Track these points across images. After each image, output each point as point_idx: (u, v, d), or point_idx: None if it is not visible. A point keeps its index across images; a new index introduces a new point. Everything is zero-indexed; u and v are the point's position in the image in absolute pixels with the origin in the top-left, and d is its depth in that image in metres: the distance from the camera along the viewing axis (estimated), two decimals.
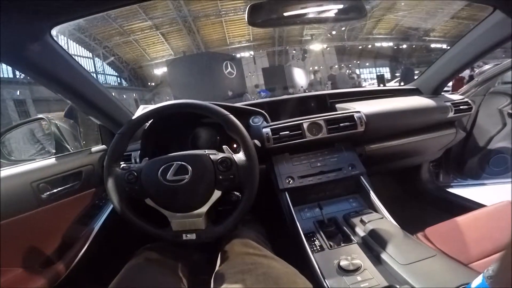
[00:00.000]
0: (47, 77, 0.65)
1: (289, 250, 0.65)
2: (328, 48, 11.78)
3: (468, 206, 1.09)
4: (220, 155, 0.63)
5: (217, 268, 0.59)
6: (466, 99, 1.10)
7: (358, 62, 12.60)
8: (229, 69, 9.90)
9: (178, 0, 8.74)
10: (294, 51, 11.64)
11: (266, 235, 0.75)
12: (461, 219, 0.69)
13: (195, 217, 0.62)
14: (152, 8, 8.99)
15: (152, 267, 0.60)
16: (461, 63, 1.01)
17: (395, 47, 11.20)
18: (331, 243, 0.64)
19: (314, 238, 0.68)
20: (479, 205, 1.02)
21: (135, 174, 0.62)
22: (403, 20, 10.79)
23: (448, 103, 1.06)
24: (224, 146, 0.68)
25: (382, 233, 0.59)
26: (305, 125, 0.82)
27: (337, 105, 1.03)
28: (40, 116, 0.93)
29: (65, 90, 0.70)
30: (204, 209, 0.62)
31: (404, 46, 10.78)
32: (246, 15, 0.59)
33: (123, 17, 9.00)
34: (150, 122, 0.84)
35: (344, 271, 0.53)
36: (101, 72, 10.66)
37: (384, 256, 0.54)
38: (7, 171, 0.72)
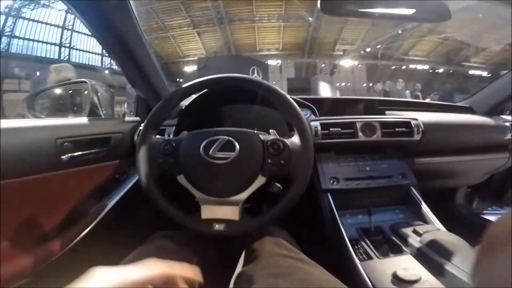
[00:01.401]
0: (111, 33, 0.64)
1: (324, 257, 0.58)
2: (359, 66, 11.56)
3: None
4: (272, 136, 0.56)
5: (239, 267, 0.53)
6: None
7: (389, 82, 12.28)
8: (255, 74, 10.00)
9: (218, 1, 8.98)
10: (323, 65, 11.56)
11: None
12: None
13: (230, 204, 0.54)
14: (193, 7, 9.31)
15: (165, 256, 0.52)
16: None
17: (431, 71, 10.81)
18: (379, 253, 0.59)
19: (359, 246, 0.63)
20: None
21: (173, 144, 0.56)
22: (444, 43, 10.43)
23: (508, 124, 0.99)
24: (271, 130, 0.60)
25: (445, 244, 0.55)
26: (358, 125, 0.77)
27: (387, 112, 0.98)
28: (82, 79, 0.94)
29: (122, 51, 0.69)
30: (243, 195, 0.53)
31: (441, 70, 10.37)
32: (319, 2, 0.55)
33: (166, 12, 9.38)
34: (192, 96, 0.80)
35: (402, 282, 0.48)
36: None
37: (448, 267, 0.49)
38: (33, 122, 0.66)
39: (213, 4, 9.07)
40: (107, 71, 9.03)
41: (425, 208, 0.72)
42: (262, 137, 0.55)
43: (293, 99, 0.58)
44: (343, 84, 11.25)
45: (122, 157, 0.80)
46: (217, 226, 0.54)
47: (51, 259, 0.65)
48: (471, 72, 10.28)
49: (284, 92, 0.58)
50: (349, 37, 10.75)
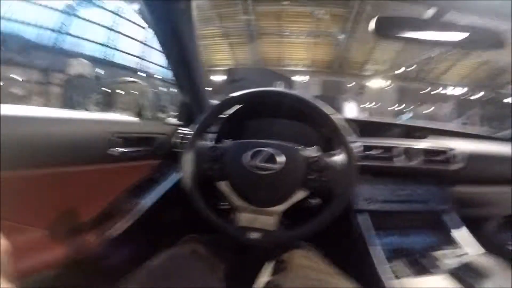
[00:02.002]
0: (172, 36, 0.69)
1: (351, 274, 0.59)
2: (388, 87, 11.33)
3: None
4: (314, 153, 0.58)
5: (266, 277, 0.54)
6: None
7: (418, 105, 11.83)
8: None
9: (250, 16, 9.27)
10: (351, 84, 11.42)
11: None
12: None
13: (268, 214, 0.56)
14: (227, 18, 9.66)
15: (198, 262, 0.54)
16: None
17: (463, 97, 10.31)
18: (411, 273, 0.61)
19: (390, 266, 0.64)
20: None
21: (220, 152, 0.58)
22: (479, 68, 9.96)
23: None
24: (313, 147, 0.62)
25: (481, 266, 0.55)
26: (397, 150, 0.79)
27: (425, 139, 0.98)
28: (133, 79, 1.02)
29: (178, 55, 0.74)
30: (282, 207, 0.55)
31: (475, 96, 9.86)
32: (374, 24, 0.60)
33: (201, 21, 9.82)
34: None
35: None
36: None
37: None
38: (88, 115, 0.71)
39: (245, 17, 9.33)
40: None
41: (460, 233, 0.73)
42: (306, 153, 0.58)
43: (339, 119, 0.60)
44: (370, 105, 11.01)
45: (163, 157, 0.83)
46: (253, 235, 0.55)
47: (83, 253, 0.68)
48: (506, 100, 9.64)
49: (333, 116, 0.60)
50: (380, 58, 10.58)
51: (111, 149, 0.69)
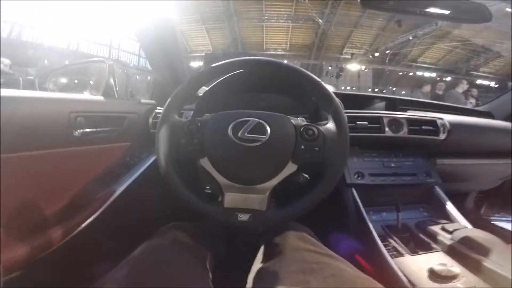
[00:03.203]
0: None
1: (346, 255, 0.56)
2: (366, 70, 11.54)
3: None
4: (305, 122, 0.53)
5: (258, 264, 0.49)
6: None
7: (394, 88, 12.25)
8: None
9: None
10: (329, 68, 11.54)
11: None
12: None
13: (257, 192, 0.49)
14: (203, 3, 9.27)
15: (181, 251, 0.48)
16: None
17: (438, 79, 10.77)
18: (408, 250, 0.59)
19: (387, 243, 0.62)
20: None
21: (199, 124, 0.51)
22: (453, 51, 10.35)
23: None
24: (300, 118, 0.57)
25: (478, 241, 0.54)
26: (385, 120, 0.76)
27: (409, 111, 0.98)
28: (100, 59, 0.93)
29: (148, 31, 0.70)
30: (272, 182, 0.49)
31: (448, 78, 10.32)
32: None
33: (177, 7, 9.38)
34: (215, 81, 0.78)
35: (440, 278, 0.47)
36: (143, 56, 11.19)
37: (486, 263, 0.49)
38: (46, 94, 0.62)
39: (223, 2, 9.03)
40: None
41: (450, 207, 0.72)
42: (294, 122, 0.52)
43: None
44: (348, 87, 11.23)
45: (135, 139, 0.76)
46: (241, 216, 0.48)
47: (51, 247, 0.59)
48: (479, 81, 10.22)
49: (318, 79, 0.55)
50: (358, 41, 10.71)
51: (77, 130, 0.60)
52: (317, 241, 0.52)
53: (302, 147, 0.50)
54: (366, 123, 0.76)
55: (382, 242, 0.62)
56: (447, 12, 0.59)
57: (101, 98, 0.73)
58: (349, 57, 11.11)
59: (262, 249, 0.53)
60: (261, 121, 0.50)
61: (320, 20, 9.49)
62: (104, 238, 0.72)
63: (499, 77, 9.81)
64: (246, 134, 0.48)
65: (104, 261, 0.49)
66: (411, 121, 0.78)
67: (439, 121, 0.80)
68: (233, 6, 9.29)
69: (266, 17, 10.07)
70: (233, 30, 10.47)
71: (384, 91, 11.62)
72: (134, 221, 0.83)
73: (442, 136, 0.79)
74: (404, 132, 0.76)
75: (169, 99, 0.56)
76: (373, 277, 0.43)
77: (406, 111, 0.97)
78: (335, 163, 0.50)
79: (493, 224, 1.24)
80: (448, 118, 0.83)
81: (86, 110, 0.64)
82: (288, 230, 0.54)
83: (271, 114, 0.52)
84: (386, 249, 0.59)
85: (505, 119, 1.10)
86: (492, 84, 10.19)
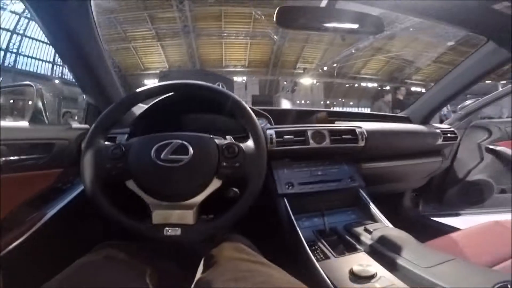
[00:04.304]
0: (64, 33, 0.63)
1: (284, 261, 0.58)
2: (317, 84, 12.34)
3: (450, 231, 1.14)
4: (226, 140, 0.58)
5: (198, 275, 0.51)
6: (452, 128, 1.19)
7: (343, 100, 13.30)
8: None
9: (186, 15, 8.90)
10: (285, 82, 12.11)
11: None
12: (454, 235, 0.73)
13: (184, 208, 0.52)
14: (159, 19, 9.11)
15: (113, 266, 0.48)
16: (450, 93, 1.10)
17: (379, 88, 11.98)
18: (335, 253, 0.62)
19: (316, 247, 0.65)
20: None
21: (123, 149, 0.54)
22: (390, 62, 11.63)
23: (438, 130, 1.14)
24: (228, 136, 0.63)
25: (394, 240, 0.59)
26: (309, 132, 0.82)
27: (336, 122, 1.06)
28: (27, 82, 0.87)
29: (73, 52, 0.68)
30: (198, 199, 0.53)
31: (387, 87, 11.55)
32: (275, 15, 0.61)
33: (128, 22, 9.01)
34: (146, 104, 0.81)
35: (359, 278, 0.50)
36: None
37: (400, 261, 0.53)
38: None
39: (181, 18, 8.98)
40: (57, 81, 8.41)
41: (373, 208, 0.78)
42: (217, 141, 0.56)
43: (251, 108, 0.60)
44: (303, 101, 11.86)
45: (67, 165, 0.74)
46: (170, 231, 0.51)
47: None
48: (413, 88, 11.61)
49: (239, 98, 0.60)
50: (309, 56, 11.46)
51: None
52: (252, 250, 0.55)
53: (224, 164, 0.53)
54: (292, 136, 0.81)
55: (311, 246, 0.65)
56: (354, 27, 0.67)
57: (25, 124, 0.70)
58: (302, 71, 11.82)
59: (202, 261, 0.55)
60: (183, 142, 0.53)
61: (275, 36, 9.98)
62: (33, 260, 0.69)
63: (428, 83, 11.24)
64: (168, 155, 0.51)
65: (34, 281, 0.46)
66: (332, 132, 0.84)
67: (357, 130, 0.88)
68: (191, 22, 9.27)
69: (225, 34, 10.25)
70: (190, 47, 10.43)
71: (335, 103, 12.56)
72: (68, 243, 0.78)
73: (362, 143, 0.87)
74: (326, 143, 0.82)
75: (94, 124, 0.57)
76: (302, 281, 0.45)
77: (334, 122, 1.06)
78: (254, 176, 0.54)
79: (433, 220, 1.35)
80: (366, 126, 0.92)
81: (7, 137, 0.62)
82: (225, 241, 0.56)
83: (193, 135, 0.56)
84: (315, 253, 0.62)
85: (421, 122, 1.24)
86: (424, 90, 11.69)
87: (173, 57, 11.02)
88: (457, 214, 1.45)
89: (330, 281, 0.52)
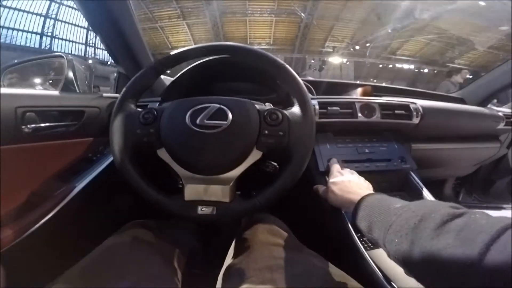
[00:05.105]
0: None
1: (322, 248, 0.51)
2: (348, 63, 11.70)
3: None
4: (269, 106, 0.51)
5: (229, 260, 0.46)
6: None
7: (375, 81, 12.53)
8: None
9: None
10: (312, 61, 11.62)
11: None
12: None
13: (220, 183, 0.46)
14: None
15: (141, 248, 0.45)
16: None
17: (416, 70, 11.08)
18: None
19: (361, 234, 0.59)
20: None
21: (155, 113, 0.49)
22: (430, 44, 10.66)
23: (501, 113, 1.00)
24: (267, 103, 0.55)
25: None
26: (357, 105, 0.74)
27: (383, 97, 0.96)
28: (59, 53, 0.87)
29: (105, 21, 0.67)
30: (236, 172, 0.46)
31: (426, 70, 10.65)
32: None
33: (155, 3, 9.09)
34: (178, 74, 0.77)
35: None
36: None
37: None
38: None
39: None
40: (90, 61, 8.83)
41: (426, 194, 0.69)
42: (258, 106, 0.49)
43: None
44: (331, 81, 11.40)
45: (97, 134, 0.70)
46: (204, 209, 0.45)
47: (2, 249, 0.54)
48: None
49: (284, 62, 0.52)
50: (339, 35, 10.82)
51: (23, 126, 0.54)
52: (288, 234, 0.49)
53: (266, 132, 0.47)
54: (337, 108, 0.73)
55: (357, 232, 0.58)
56: None
57: (54, 92, 0.67)
58: (331, 50, 11.24)
59: (233, 244, 0.51)
60: (221, 106, 0.47)
61: (302, 14, 9.51)
62: (62, 238, 0.66)
63: (473, 68, 10.19)
64: (205, 120, 0.46)
65: (61, 261, 0.44)
66: (383, 106, 0.76)
67: (412, 105, 0.78)
68: (215, 0, 9.12)
69: (249, 11, 10.00)
70: (215, 25, 10.29)
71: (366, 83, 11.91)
72: (96, 219, 0.77)
73: (416, 121, 0.78)
74: (377, 117, 0.74)
75: (124, 88, 0.52)
76: (347, 271, 0.40)
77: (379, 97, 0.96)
78: (301, 147, 0.47)
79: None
80: (421, 102, 0.82)
81: (36, 104, 0.59)
82: (258, 223, 0.51)
83: (232, 99, 0.49)
84: (362, 241, 0.56)
85: (477, 105, 1.11)
86: (468, 76, 10.65)
87: (199, 35, 10.95)
88: (500, 208, 1.34)
89: (381, 272, 0.47)
